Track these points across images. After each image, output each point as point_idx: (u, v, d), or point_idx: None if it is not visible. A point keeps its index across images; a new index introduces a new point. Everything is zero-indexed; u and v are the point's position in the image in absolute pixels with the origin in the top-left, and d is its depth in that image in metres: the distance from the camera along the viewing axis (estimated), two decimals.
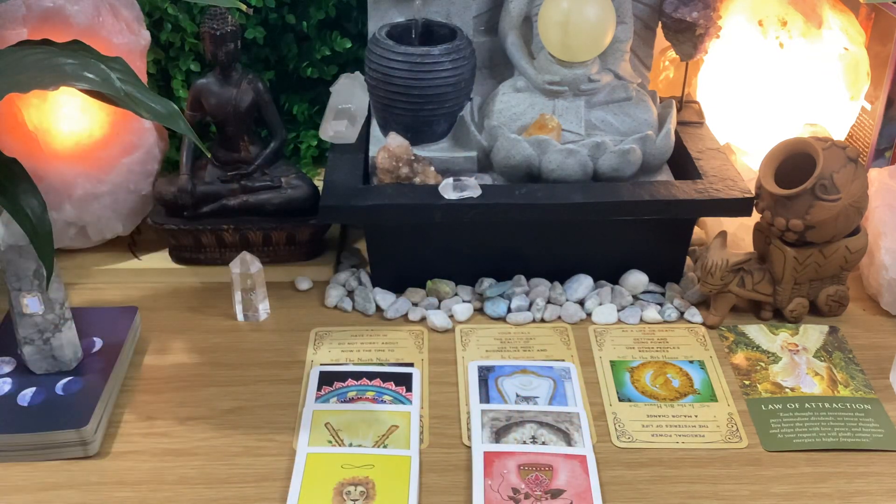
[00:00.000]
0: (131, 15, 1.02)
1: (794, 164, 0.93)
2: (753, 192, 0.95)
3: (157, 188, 1.03)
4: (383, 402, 0.86)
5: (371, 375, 0.89)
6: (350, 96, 1.04)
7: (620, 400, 0.87)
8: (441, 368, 0.91)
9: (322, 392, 0.87)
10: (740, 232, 1.06)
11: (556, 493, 0.76)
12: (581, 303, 1.00)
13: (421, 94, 0.99)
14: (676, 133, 1.05)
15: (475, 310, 1.00)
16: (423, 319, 0.98)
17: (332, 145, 1.04)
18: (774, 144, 0.95)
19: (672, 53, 1.15)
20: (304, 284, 1.04)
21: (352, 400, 0.86)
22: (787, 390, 0.88)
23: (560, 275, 1.02)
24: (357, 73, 1.05)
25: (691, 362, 0.92)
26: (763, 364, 0.92)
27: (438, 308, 0.99)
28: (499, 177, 1.01)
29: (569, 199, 0.94)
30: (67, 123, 0.99)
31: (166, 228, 1.02)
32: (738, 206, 0.95)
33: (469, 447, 0.81)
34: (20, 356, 0.86)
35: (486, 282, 1.01)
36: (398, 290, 1.01)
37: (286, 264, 1.05)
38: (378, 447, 0.80)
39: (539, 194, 0.94)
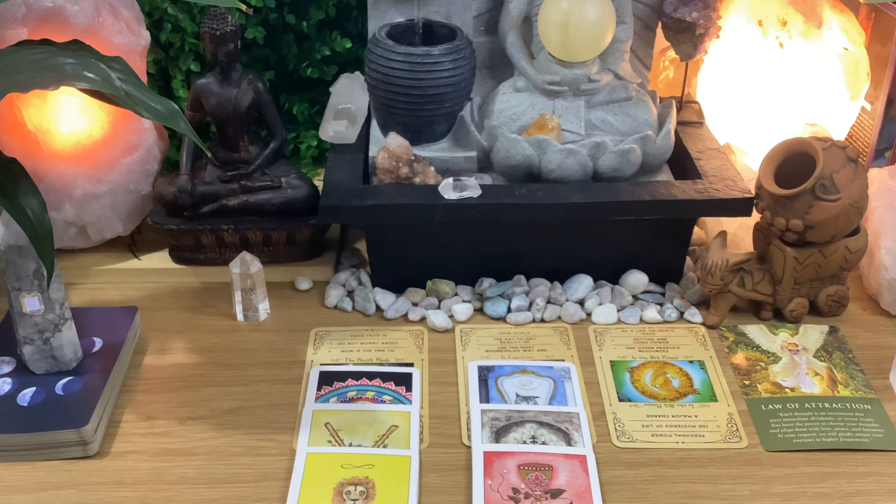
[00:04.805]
0: (131, 15, 1.02)
1: (794, 164, 0.93)
2: (753, 192, 0.96)
3: (157, 188, 1.03)
4: (383, 401, 0.86)
5: (371, 375, 0.89)
6: (350, 96, 1.04)
7: (620, 400, 0.87)
8: (441, 368, 0.91)
9: (322, 392, 0.87)
10: (740, 232, 1.06)
11: (556, 493, 0.76)
12: (581, 303, 1.00)
13: (421, 94, 0.99)
14: (676, 133, 1.05)
15: (475, 310, 1.00)
16: (423, 319, 0.98)
17: (332, 145, 1.04)
18: (774, 144, 0.95)
19: (672, 53, 1.15)
20: (304, 284, 1.04)
21: (352, 400, 0.86)
22: (787, 390, 0.88)
23: (560, 275, 1.02)
24: (357, 73, 1.05)
25: (691, 362, 0.92)
26: (763, 364, 0.92)
27: (438, 308, 0.99)
28: (499, 177, 1.01)
29: (569, 199, 0.94)
30: (67, 123, 0.99)
31: (166, 228, 1.02)
32: (738, 206, 0.95)
33: (469, 447, 0.81)
34: (20, 356, 0.86)
35: (486, 282, 1.01)
36: (398, 290, 1.01)
37: (286, 264, 1.05)
38: (378, 447, 0.80)
39: (539, 194, 0.94)
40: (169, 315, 0.99)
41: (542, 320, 0.98)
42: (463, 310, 0.98)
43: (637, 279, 1.01)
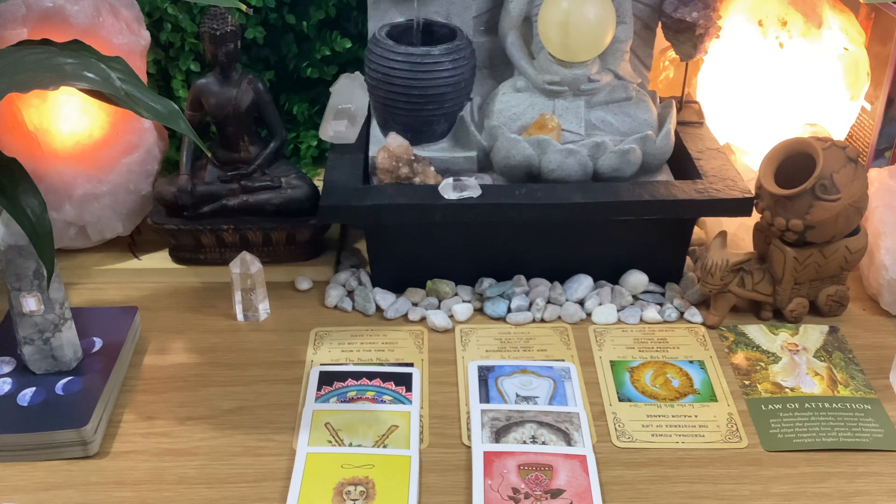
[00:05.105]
0: (131, 15, 1.02)
1: (794, 164, 0.93)
2: (753, 192, 0.96)
3: (157, 188, 1.03)
4: (383, 401, 0.86)
5: (371, 375, 0.89)
6: (350, 96, 1.04)
7: (620, 400, 0.87)
8: (441, 368, 0.91)
9: (322, 392, 0.87)
10: (740, 232, 1.06)
11: (556, 493, 0.76)
12: (581, 303, 1.00)
13: (421, 94, 0.99)
14: (676, 133, 1.05)
15: (475, 310, 1.00)
16: (423, 319, 0.98)
17: (332, 145, 1.04)
18: (774, 144, 0.95)
19: (672, 53, 1.15)
20: (304, 284, 1.04)
21: (352, 400, 0.86)
22: (787, 390, 0.89)
23: (560, 275, 1.02)
24: (357, 73, 1.05)
25: (691, 362, 0.92)
26: (763, 364, 0.92)
27: (438, 308, 0.99)
28: (499, 177, 1.01)
29: (569, 199, 0.94)
30: (67, 123, 0.99)
31: (166, 228, 1.02)
32: (738, 206, 0.95)
33: (469, 447, 0.81)
34: (20, 356, 0.85)
35: (486, 282, 1.01)
36: (398, 290, 1.01)
37: (286, 264, 1.05)
38: (378, 447, 0.80)
39: (539, 194, 0.94)
40: (169, 315, 0.99)
41: (542, 320, 0.98)
42: (463, 310, 0.98)
43: (637, 279, 1.01)
